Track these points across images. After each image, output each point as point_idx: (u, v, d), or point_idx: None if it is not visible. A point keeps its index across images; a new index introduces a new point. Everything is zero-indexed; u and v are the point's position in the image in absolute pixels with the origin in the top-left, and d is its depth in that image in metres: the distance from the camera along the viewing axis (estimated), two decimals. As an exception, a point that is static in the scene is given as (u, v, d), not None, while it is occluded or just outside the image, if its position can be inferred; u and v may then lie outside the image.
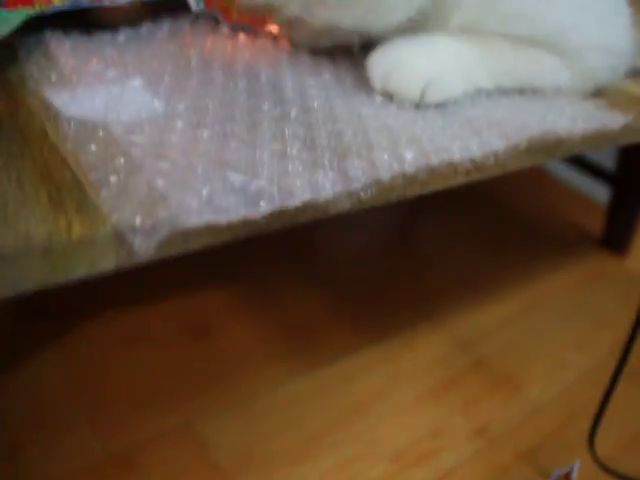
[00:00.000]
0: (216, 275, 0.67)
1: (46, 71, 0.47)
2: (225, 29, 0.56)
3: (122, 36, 0.55)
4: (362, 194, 0.36)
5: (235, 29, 0.57)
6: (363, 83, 0.49)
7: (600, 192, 1.16)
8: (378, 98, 0.47)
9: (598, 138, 0.50)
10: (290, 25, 0.50)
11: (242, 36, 0.55)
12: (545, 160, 0.48)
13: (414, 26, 0.50)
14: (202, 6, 0.57)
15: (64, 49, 0.50)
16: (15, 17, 0.50)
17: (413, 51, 0.49)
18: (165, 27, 0.56)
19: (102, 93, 0.43)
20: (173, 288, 0.67)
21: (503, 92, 0.52)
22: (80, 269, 0.32)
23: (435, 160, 0.39)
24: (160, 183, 0.33)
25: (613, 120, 0.51)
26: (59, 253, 0.31)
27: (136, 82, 0.45)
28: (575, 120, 0.48)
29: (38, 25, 0.52)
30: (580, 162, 1.15)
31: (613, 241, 1.10)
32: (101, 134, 0.38)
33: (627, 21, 0.56)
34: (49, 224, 0.31)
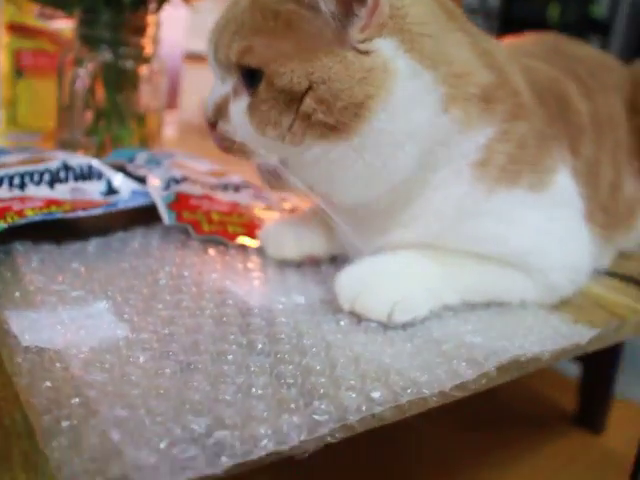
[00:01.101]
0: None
1: (10, 287, 0.47)
2: (195, 243, 0.57)
3: (92, 247, 0.55)
4: (329, 437, 0.35)
5: (205, 242, 0.58)
6: (331, 300, 0.49)
7: (571, 367, 1.15)
8: (345, 320, 0.47)
9: (567, 353, 0.51)
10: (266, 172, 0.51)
11: (212, 251, 0.56)
12: (514, 377, 0.48)
13: (377, 223, 0.52)
14: (174, 219, 0.58)
15: (31, 264, 0.50)
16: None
17: (379, 272, 0.50)
18: (136, 239, 0.57)
19: (64, 318, 0.43)
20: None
21: (470, 307, 0.53)
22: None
23: (404, 398, 0.38)
24: (115, 435, 0.32)
25: (581, 336, 0.52)
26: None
27: (101, 305, 0.45)
28: (543, 342, 0.49)
29: (8, 234, 0.53)
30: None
31: (587, 419, 1.07)
32: (58, 367, 0.37)
33: (586, 237, 0.58)
34: (-9, 484, 0.29)
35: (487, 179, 0.51)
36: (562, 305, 0.57)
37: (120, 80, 0.79)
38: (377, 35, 0.45)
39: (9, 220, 0.53)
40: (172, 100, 1.15)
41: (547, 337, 0.50)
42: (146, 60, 0.80)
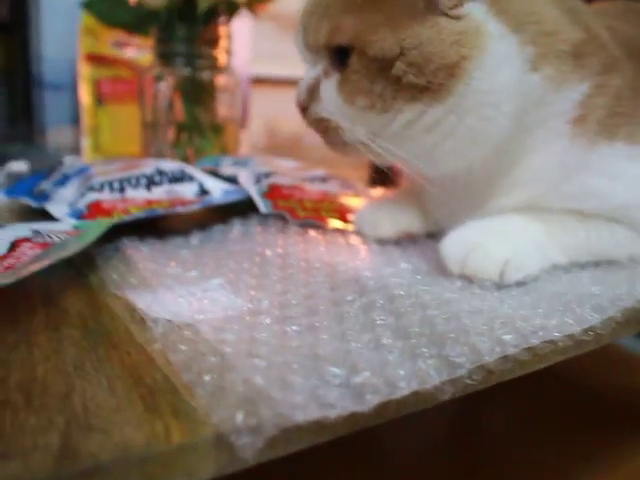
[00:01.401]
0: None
1: (126, 275, 0.48)
2: (294, 227, 0.58)
3: (195, 239, 0.56)
4: (468, 380, 0.34)
5: (303, 226, 0.59)
6: (438, 268, 0.49)
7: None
8: (458, 282, 0.47)
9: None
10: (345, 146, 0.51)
11: (312, 232, 0.57)
12: (637, 330, 0.46)
13: (475, 193, 0.51)
14: (270, 207, 0.59)
15: (141, 254, 0.52)
16: (95, 227, 0.52)
17: (487, 233, 0.50)
18: (236, 228, 0.58)
19: (184, 294, 0.44)
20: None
21: (580, 265, 0.52)
22: (178, 478, 0.30)
23: (535, 340, 0.38)
24: (258, 380, 0.32)
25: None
26: (158, 461, 0.29)
27: (216, 282, 0.46)
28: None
29: (114, 234, 0.55)
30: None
31: None
32: (189, 334, 0.38)
33: None
34: (146, 431, 0.30)
35: (586, 135, 0.50)
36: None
37: (198, 92, 0.82)
38: (467, 0, 0.46)
39: (116, 217, 0.55)
40: (242, 120, 1.18)
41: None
42: (221, 70, 0.82)
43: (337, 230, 0.59)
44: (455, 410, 0.76)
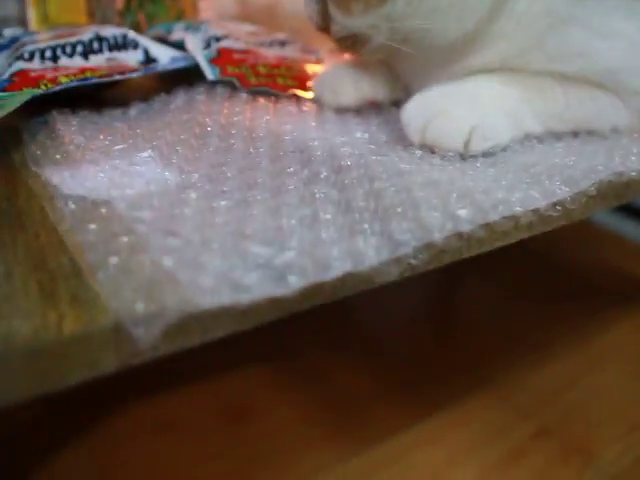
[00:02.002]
0: (249, 353, 0.61)
1: (50, 150, 0.43)
2: (243, 95, 0.52)
3: (134, 110, 0.51)
4: (412, 260, 0.30)
5: (254, 94, 0.53)
6: (399, 138, 0.44)
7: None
8: (418, 152, 0.42)
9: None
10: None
11: (262, 100, 0.51)
12: (612, 205, 0.42)
13: (456, 50, 0.45)
14: (217, 74, 0.53)
15: (70, 127, 0.47)
16: (18, 98, 0.46)
17: (452, 96, 0.44)
18: (179, 98, 0.52)
19: (107, 168, 0.39)
20: (202, 370, 0.61)
21: (555, 135, 0.47)
22: (76, 372, 0.26)
23: (493, 215, 0.33)
24: (167, 262, 0.28)
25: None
26: (47, 354, 0.25)
27: (145, 154, 0.41)
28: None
29: (45, 106, 0.49)
30: (626, 208, 1.08)
31: None
32: (103, 211, 0.34)
33: None
34: (35, 320, 0.26)
35: None
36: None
37: None
38: None
39: (42, 87, 0.49)
40: None
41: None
42: None
43: (292, 97, 0.53)
44: (433, 284, 0.74)
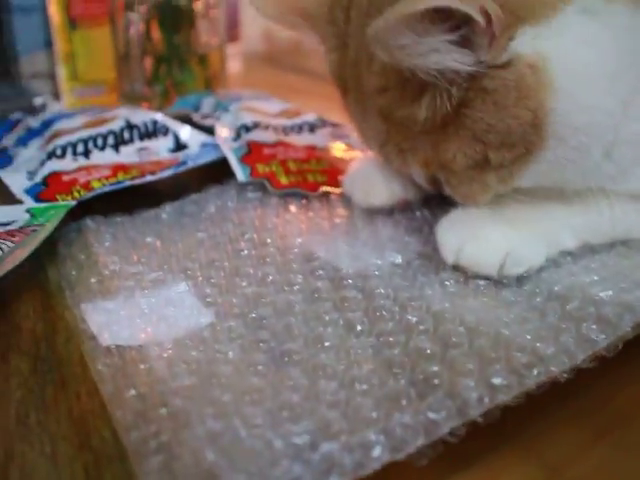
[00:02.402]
0: None
1: (85, 272, 0.45)
2: (274, 199, 0.53)
3: (166, 215, 0.52)
4: (449, 437, 0.31)
5: (285, 196, 0.53)
6: (431, 254, 0.44)
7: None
8: (451, 282, 0.42)
9: None
10: None
11: (292, 208, 0.52)
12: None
13: None
14: (248, 175, 0.54)
15: (104, 242, 0.48)
16: (55, 213, 0.47)
17: (488, 216, 0.44)
18: (211, 202, 0.53)
19: (144, 308, 0.40)
20: None
21: (588, 249, 0.46)
22: None
23: (530, 380, 0.33)
24: (209, 454, 0.28)
25: None
26: None
27: (181, 287, 0.42)
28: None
29: (78, 208, 0.50)
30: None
31: None
32: (142, 369, 0.35)
33: None
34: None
35: None
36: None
37: (175, 19, 0.73)
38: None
39: (76, 195, 0.50)
40: (233, 31, 1.09)
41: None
42: None
43: (323, 196, 0.53)
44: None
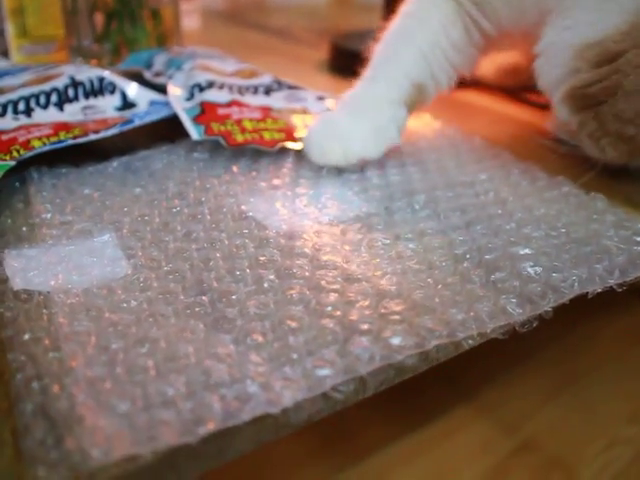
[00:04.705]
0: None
1: (19, 221, 0.45)
2: (221, 159, 0.53)
3: (112, 169, 0.52)
4: (337, 394, 0.31)
5: (231, 158, 0.53)
6: (368, 218, 0.44)
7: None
8: (380, 243, 0.42)
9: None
10: None
11: (235, 168, 0.52)
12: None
13: None
14: (202, 133, 0.54)
15: (42, 192, 0.48)
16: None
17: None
18: (159, 158, 0.53)
19: (63, 256, 0.40)
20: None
21: (531, 218, 0.46)
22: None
23: (430, 343, 0.33)
24: (81, 396, 0.29)
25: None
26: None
27: (105, 238, 0.42)
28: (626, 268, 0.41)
29: (23, 163, 0.51)
30: None
31: None
32: (44, 314, 0.35)
33: None
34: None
35: None
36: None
37: None
38: None
39: (15, 155, 0.50)
40: None
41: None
42: None
43: (272, 158, 0.54)
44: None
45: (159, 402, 0.29)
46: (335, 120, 0.55)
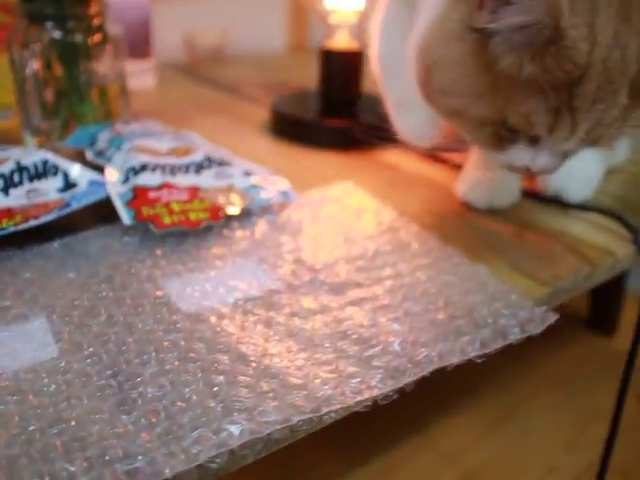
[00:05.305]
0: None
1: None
2: (151, 242, 0.61)
3: (53, 250, 0.60)
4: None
5: (160, 239, 0.61)
6: (269, 298, 0.52)
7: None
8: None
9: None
10: None
11: (159, 252, 0.59)
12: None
13: None
14: (133, 218, 0.61)
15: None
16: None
17: None
18: (96, 240, 0.61)
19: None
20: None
21: (411, 297, 0.54)
22: None
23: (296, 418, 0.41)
24: None
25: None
26: None
27: (37, 323, 0.50)
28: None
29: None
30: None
31: (599, 322, 1.06)
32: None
33: None
34: None
35: None
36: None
37: (72, 55, 0.80)
38: None
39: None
40: (144, 48, 1.17)
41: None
42: (97, 30, 0.81)
43: (196, 238, 0.61)
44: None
45: (64, 477, 0.37)
46: None
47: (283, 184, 0.73)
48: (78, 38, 0.80)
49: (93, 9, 0.80)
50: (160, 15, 1.33)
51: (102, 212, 0.65)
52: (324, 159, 0.87)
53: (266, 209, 0.69)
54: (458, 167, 0.79)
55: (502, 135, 0.56)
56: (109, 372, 0.45)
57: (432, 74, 0.57)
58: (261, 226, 0.66)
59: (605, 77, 0.50)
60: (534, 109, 0.52)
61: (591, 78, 0.49)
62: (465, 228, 0.69)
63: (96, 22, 0.81)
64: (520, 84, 0.51)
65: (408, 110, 0.74)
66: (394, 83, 0.74)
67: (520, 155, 0.58)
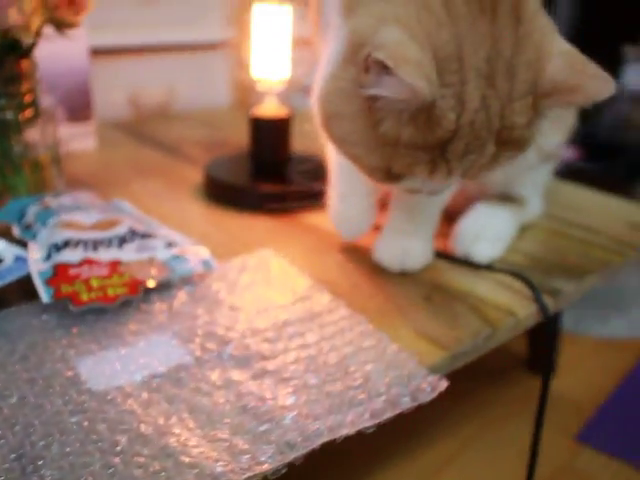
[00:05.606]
0: None
1: None
2: (67, 320, 0.64)
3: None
4: None
5: (79, 316, 0.65)
6: (177, 374, 0.56)
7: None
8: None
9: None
10: None
11: (75, 330, 0.63)
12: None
13: None
14: (51, 296, 0.65)
15: None
16: None
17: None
18: (16, 319, 0.64)
19: None
20: None
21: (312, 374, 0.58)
22: None
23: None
24: None
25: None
26: None
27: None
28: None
29: None
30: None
31: (538, 363, 1.10)
32: None
33: None
34: None
35: None
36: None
37: (4, 130, 0.84)
38: None
39: None
40: (84, 112, 1.21)
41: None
42: (28, 106, 0.85)
43: (112, 317, 0.65)
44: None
45: None
46: None
47: (204, 253, 0.77)
48: (9, 115, 0.83)
49: (25, 87, 0.85)
50: (105, 74, 1.38)
51: (26, 288, 0.68)
52: (252, 224, 0.92)
53: (187, 280, 0.73)
54: (376, 228, 0.84)
55: (393, 175, 0.63)
56: (13, 455, 0.48)
57: (332, 124, 0.63)
58: (180, 298, 0.70)
59: (473, 135, 0.57)
60: (413, 162, 0.59)
61: (460, 138, 0.56)
62: (377, 293, 0.74)
63: (28, 99, 0.85)
64: (400, 142, 0.58)
65: (350, 204, 0.81)
66: (343, 177, 0.81)
67: (412, 183, 0.64)
